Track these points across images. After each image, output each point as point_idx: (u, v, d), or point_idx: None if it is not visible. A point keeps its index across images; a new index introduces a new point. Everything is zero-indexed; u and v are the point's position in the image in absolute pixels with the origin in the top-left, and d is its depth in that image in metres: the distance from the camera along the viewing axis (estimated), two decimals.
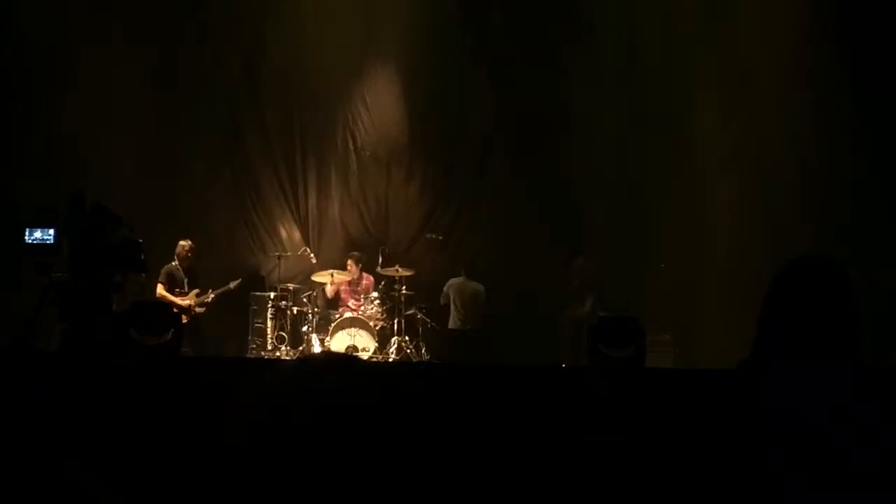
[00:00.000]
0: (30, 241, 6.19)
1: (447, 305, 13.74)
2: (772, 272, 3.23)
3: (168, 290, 12.66)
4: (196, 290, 12.89)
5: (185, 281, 12.85)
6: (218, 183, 14.80)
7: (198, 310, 12.88)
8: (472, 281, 13.78)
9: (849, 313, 3.07)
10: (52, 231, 6.15)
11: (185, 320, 12.34)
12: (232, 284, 13.41)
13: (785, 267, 3.20)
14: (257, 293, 14.00)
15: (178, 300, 12.57)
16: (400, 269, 13.59)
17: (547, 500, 4.63)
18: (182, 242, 12.87)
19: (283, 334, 13.57)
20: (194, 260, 13.01)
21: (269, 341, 13.58)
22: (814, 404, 2.89)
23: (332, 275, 13.78)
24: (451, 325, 13.65)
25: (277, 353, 13.31)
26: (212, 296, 13.07)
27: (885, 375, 3.01)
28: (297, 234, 15.03)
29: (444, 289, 13.78)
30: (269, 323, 13.68)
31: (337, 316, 13.45)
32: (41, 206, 6.33)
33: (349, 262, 13.89)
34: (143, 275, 6.75)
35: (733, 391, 3.13)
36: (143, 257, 6.51)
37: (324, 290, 13.96)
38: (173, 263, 12.82)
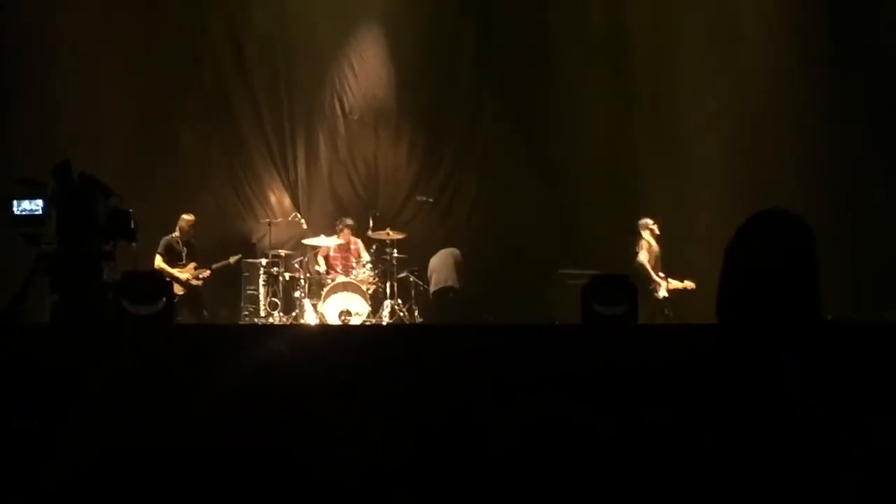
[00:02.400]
0: (18, 213, 6.18)
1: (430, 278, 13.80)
2: None
3: (167, 262, 12.67)
4: (194, 263, 12.89)
5: (184, 253, 12.87)
6: (206, 151, 14.73)
7: (195, 282, 12.89)
8: (446, 249, 13.84)
9: (806, 266, 3.05)
10: (40, 202, 6.14)
11: (182, 291, 12.41)
12: (232, 259, 13.46)
13: (749, 220, 3.19)
14: (249, 260, 13.98)
15: (176, 272, 12.59)
16: (391, 233, 13.57)
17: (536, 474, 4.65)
18: (185, 216, 12.93)
19: (276, 300, 13.56)
20: (193, 233, 13.01)
21: (262, 308, 13.57)
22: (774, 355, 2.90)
23: (322, 239, 13.75)
24: (431, 288, 13.69)
25: (270, 320, 13.32)
26: (211, 269, 13.10)
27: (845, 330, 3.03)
28: (286, 200, 14.99)
29: (428, 274, 13.84)
30: (262, 289, 13.67)
31: (329, 280, 13.44)
32: (28, 179, 6.30)
33: (338, 229, 13.85)
34: (134, 244, 6.72)
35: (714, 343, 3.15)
36: (132, 226, 6.50)
37: (316, 256, 13.93)
38: (174, 235, 12.86)
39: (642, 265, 12.46)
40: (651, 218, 12.75)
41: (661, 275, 12.60)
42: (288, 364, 5.14)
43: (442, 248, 13.99)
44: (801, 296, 3.00)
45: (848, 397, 2.83)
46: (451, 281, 13.59)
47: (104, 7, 13.65)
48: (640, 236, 12.62)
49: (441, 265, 13.71)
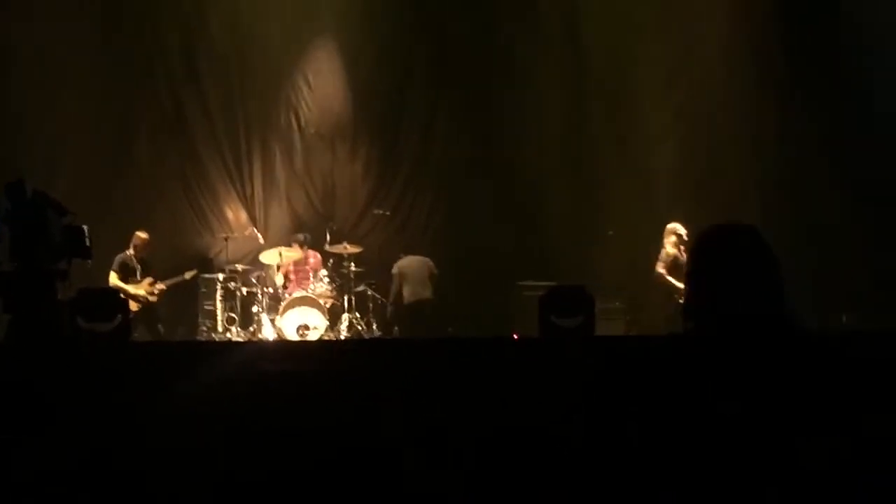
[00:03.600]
0: None
1: (400, 286, 13.69)
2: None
3: (121, 280, 12.58)
4: (149, 279, 12.80)
5: (139, 270, 12.77)
6: (162, 166, 14.66)
7: (150, 298, 12.80)
8: (418, 256, 13.79)
9: (762, 270, 3.11)
10: None
11: (136, 308, 12.32)
12: (187, 275, 13.36)
13: (704, 232, 3.25)
14: (206, 275, 13.91)
15: (131, 289, 12.49)
16: (348, 246, 13.55)
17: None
18: (140, 234, 12.80)
19: (234, 315, 13.51)
20: (148, 250, 12.92)
21: (220, 323, 13.51)
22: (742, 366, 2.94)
23: (279, 253, 13.69)
24: (406, 300, 13.59)
25: (228, 335, 13.27)
26: (167, 285, 12.99)
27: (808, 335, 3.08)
28: (243, 215, 14.94)
29: (393, 272, 13.74)
30: (219, 305, 13.60)
31: (287, 295, 13.40)
32: None
33: (294, 244, 13.80)
34: (89, 261, 6.68)
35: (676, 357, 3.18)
36: (87, 244, 6.46)
37: (273, 275, 13.88)
38: (128, 253, 12.74)
39: (659, 276, 11.99)
40: (679, 222, 12.29)
41: None
42: (257, 379, 5.14)
43: (399, 260, 13.96)
44: (763, 299, 3.05)
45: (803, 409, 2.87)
46: (428, 293, 13.57)
47: (57, 21, 13.52)
48: (662, 245, 12.23)
49: (415, 276, 13.62)
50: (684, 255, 11.65)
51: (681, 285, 11.55)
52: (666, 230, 12.05)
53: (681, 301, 11.62)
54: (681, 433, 3.03)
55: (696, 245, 3.23)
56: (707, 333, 3.08)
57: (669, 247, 11.95)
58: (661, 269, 11.90)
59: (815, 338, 3.09)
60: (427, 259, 13.76)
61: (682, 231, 11.93)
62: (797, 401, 2.89)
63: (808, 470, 2.83)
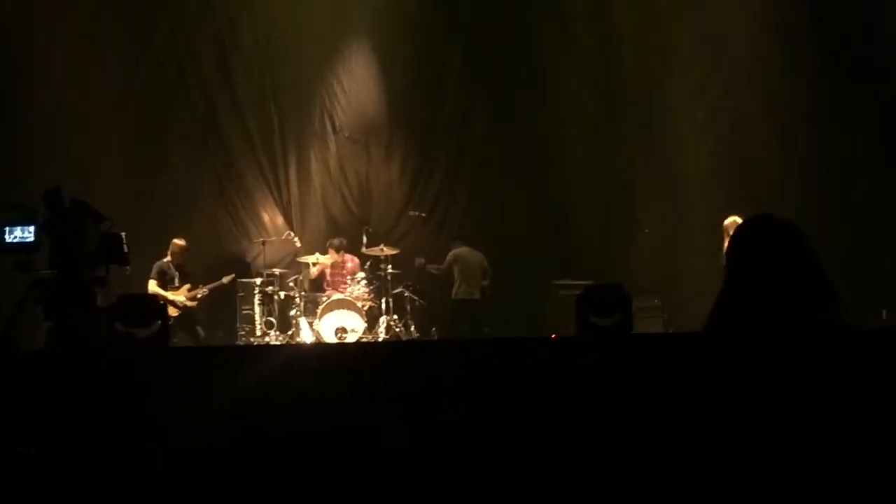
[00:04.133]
0: (10, 241, 6.16)
1: (449, 272, 13.67)
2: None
3: (160, 286, 12.64)
4: (187, 285, 12.84)
5: (176, 277, 12.81)
6: (198, 172, 14.72)
7: (189, 304, 12.84)
8: (475, 251, 13.76)
9: (808, 265, 3.06)
10: (31, 229, 6.12)
11: (176, 313, 12.37)
12: (225, 279, 13.38)
13: (741, 225, 3.22)
14: (243, 280, 13.96)
15: (170, 295, 12.54)
16: (385, 249, 13.54)
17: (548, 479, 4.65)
18: (176, 241, 12.83)
19: (272, 319, 13.54)
20: (186, 257, 12.96)
21: (258, 327, 13.56)
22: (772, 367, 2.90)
23: (317, 257, 13.75)
24: (455, 294, 13.58)
25: (266, 339, 13.32)
26: (205, 290, 13.03)
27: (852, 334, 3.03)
28: (279, 219, 14.99)
29: (449, 258, 13.71)
30: (257, 309, 13.66)
31: (324, 298, 13.42)
32: (17, 204, 6.29)
33: (329, 250, 13.83)
34: (127, 268, 6.71)
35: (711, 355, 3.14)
36: (125, 250, 6.49)
37: (308, 271, 13.93)
38: (165, 260, 12.78)
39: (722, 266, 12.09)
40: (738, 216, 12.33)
41: None
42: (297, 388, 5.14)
43: (435, 262, 13.96)
44: (802, 300, 3.01)
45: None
46: (477, 294, 13.56)
47: (93, 30, 13.62)
48: (724, 238, 12.32)
49: (470, 271, 13.64)
50: None
51: None
52: (724, 226, 12.11)
53: None
54: (720, 431, 3.00)
55: (736, 238, 3.19)
56: (742, 328, 3.05)
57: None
58: (722, 260, 11.98)
59: (856, 334, 3.05)
60: (482, 257, 13.73)
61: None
62: (832, 397, 2.85)
63: (845, 467, 2.80)
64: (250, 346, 12.32)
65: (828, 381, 2.88)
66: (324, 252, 13.83)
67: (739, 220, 12.03)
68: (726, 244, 11.98)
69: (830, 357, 2.93)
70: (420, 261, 13.91)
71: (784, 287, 3.02)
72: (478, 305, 13.54)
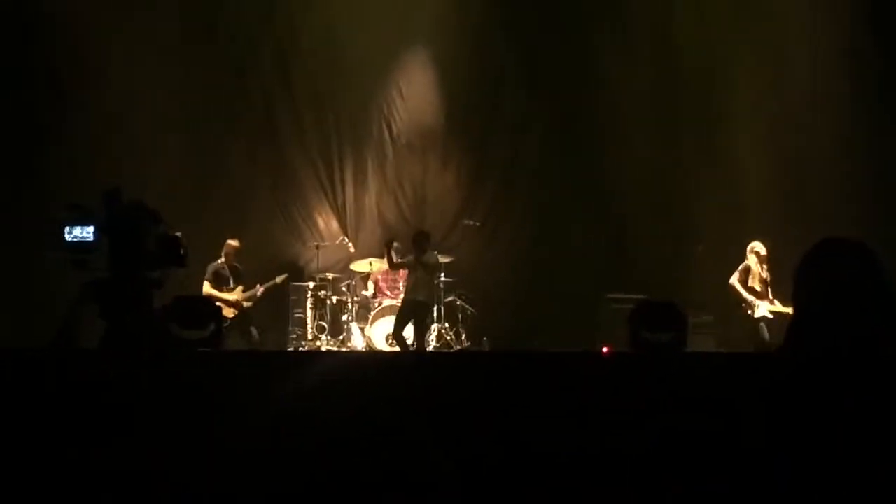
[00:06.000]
0: (70, 240, 6.21)
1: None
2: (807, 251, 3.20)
3: (214, 288, 12.73)
4: (241, 287, 12.93)
5: (231, 279, 12.90)
6: (254, 175, 14.82)
7: (245, 304, 12.93)
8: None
9: (877, 292, 3.00)
10: (91, 229, 6.17)
11: (233, 314, 12.47)
12: (279, 279, 13.46)
13: (811, 249, 3.16)
14: (296, 283, 14.04)
15: (225, 296, 12.63)
16: (438, 256, 13.54)
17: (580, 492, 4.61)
18: (231, 242, 12.94)
19: (324, 324, 13.62)
20: (239, 258, 13.04)
21: (310, 331, 13.64)
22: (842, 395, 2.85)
23: (370, 263, 13.80)
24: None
25: (318, 343, 13.38)
26: (261, 290, 13.11)
27: None
28: (334, 224, 15.06)
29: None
30: (309, 313, 13.74)
31: (377, 304, 13.45)
32: (77, 204, 6.35)
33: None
34: (184, 269, 6.75)
35: (768, 379, 3.10)
36: (182, 252, 6.52)
37: (365, 280, 13.99)
38: (219, 262, 12.89)
39: (731, 286, 12.33)
40: (760, 241, 12.49)
41: (770, 297, 12.34)
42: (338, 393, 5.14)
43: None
44: (872, 326, 2.95)
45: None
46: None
47: (154, 30, 13.71)
48: (745, 259, 12.48)
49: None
50: (761, 271, 12.31)
51: (750, 297, 12.20)
52: (748, 248, 12.38)
53: (750, 313, 12.19)
54: (769, 454, 2.97)
55: (804, 262, 3.13)
56: (809, 355, 3.00)
57: (753, 262, 12.23)
58: (734, 280, 12.35)
59: None
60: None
61: (761, 248, 12.32)
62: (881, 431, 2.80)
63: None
64: (303, 352, 12.39)
65: (880, 414, 2.83)
66: (379, 257, 13.86)
67: (758, 244, 12.18)
68: (741, 266, 12.19)
69: (887, 390, 2.87)
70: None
71: (848, 315, 2.96)
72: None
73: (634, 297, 11.97)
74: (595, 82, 14.65)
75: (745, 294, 12.21)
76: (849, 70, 13.78)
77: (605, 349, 11.91)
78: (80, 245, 6.21)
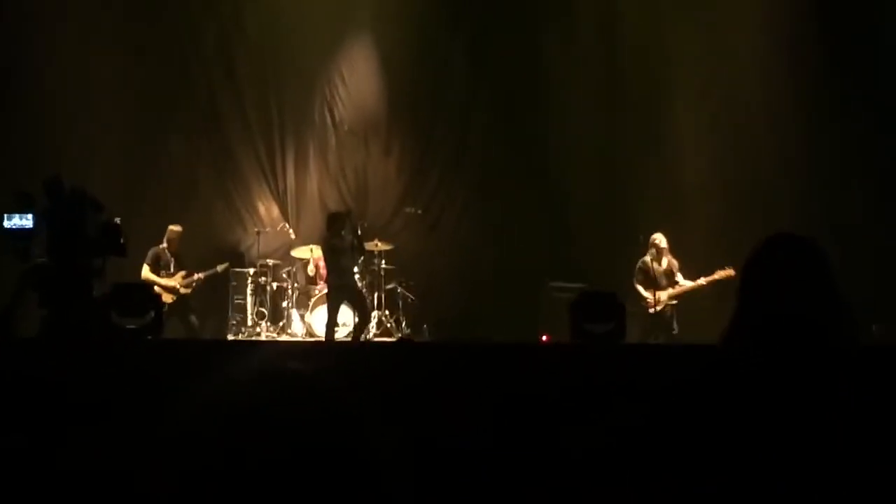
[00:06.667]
0: (9, 227, 6.17)
1: None
2: (752, 240, 3.24)
3: (153, 272, 12.62)
4: (182, 272, 12.84)
5: (172, 263, 12.81)
6: (196, 161, 14.70)
7: (183, 290, 12.83)
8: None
9: (824, 288, 3.06)
10: (30, 216, 6.14)
11: (171, 300, 12.39)
12: (219, 268, 13.36)
13: (758, 245, 3.19)
14: (237, 269, 13.96)
15: (163, 281, 12.54)
16: (379, 244, 13.54)
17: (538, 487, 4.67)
18: (173, 227, 12.81)
19: (264, 310, 13.56)
20: (181, 244, 12.95)
21: (250, 317, 13.58)
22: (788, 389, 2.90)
23: (311, 250, 13.77)
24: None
25: (257, 330, 13.33)
26: (200, 277, 13.02)
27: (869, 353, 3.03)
28: (275, 210, 14.98)
29: None
30: (250, 299, 13.69)
31: (317, 291, 13.43)
32: (18, 192, 6.30)
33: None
34: (124, 257, 6.72)
35: (713, 370, 3.14)
36: (122, 241, 6.50)
37: (305, 266, 13.94)
38: (161, 246, 12.77)
39: (633, 286, 12.36)
40: (659, 232, 12.56)
41: (671, 288, 12.42)
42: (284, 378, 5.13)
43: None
44: (820, 323, 3.01)
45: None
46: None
47: (94, 19, 13.56)
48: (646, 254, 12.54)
49: None
50: (660, 264, 12.39)
51: (647, 294, 12.23)
52: (649, 242, 12.48)
53: (651, 311, 12.20)
54: (713, 445, 3.02)
55: (752, 257, 3.18)
56: (753, 346, 3.05)
57: (651, 256, 12.33)
58: (636, 280, 12.42)
59: (872, 352, 3.06)
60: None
61: (661, 240, 12.37)
62: (835, 419, 2.86)
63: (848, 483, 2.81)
64: (242, 342, 12.34)
65: (833, 402, 2.88)
66: (319, 244, 13.85)
67: (655, 237, 12.27)
68: (649, 261, 12.27)
69: (837, 379, 2.93)
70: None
71: (797, 307, 3.02)
72: None
73: (576, 286, 12.07)
74: (540, 70, 14.70)
75: (643, 293, 12.23)
76: (792, 56, 13.89)
77: (544, 338, 12.02)
78: (19, 232, 6.17)
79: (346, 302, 12.44)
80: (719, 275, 12.00)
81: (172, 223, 12.89)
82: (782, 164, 13.67)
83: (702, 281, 12.18)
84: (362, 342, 12.16)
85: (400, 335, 13.20)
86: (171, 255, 12.83)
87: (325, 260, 12.62)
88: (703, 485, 2.94)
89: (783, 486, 2.80)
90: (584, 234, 14.04)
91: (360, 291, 12.82)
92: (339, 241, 12.33)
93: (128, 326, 6.50)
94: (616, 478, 4.54)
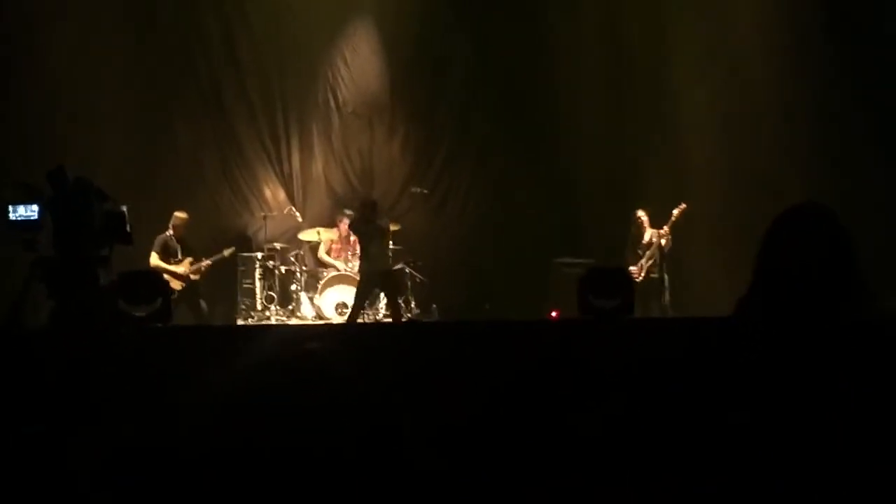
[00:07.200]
0: (14, 219, 6.17)
1: None
2: (756, 216, 3.24)
3: (162, 259, 12.63)
4: (190, 259, 12.84)
5: (179, 249, 12.81)
6: (201, 146, 14.69)
7: (193, 277, 12.85)
8: None
9: (844, 258, 3.05)
10: (35, 207, 6.14)
11: (180, 286, 12.40)
12: (226, 252, 13.36)
13: (783, 212, 3.18)
14: (245, 254, 13.98)
15: (172, 268, 12.55)
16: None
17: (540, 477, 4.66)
18: (178, 214, 12.80)
19: (272, 294, 13.60)
20: (188, 230, 12.95)
21: (259, 301, 13.61)
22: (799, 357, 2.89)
23: (318, 232, 13.79)
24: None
25: (267, 313, 13.37)
26: (207, 262, 13.02)
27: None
28: (281, 194, 14.98)
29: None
30: (258, 283, 13.71)
31: (325, 274, 13.45)
32: (22, 183, 6.30)
33: (339, 223, 13.84)
34: (130, 246, 6.72)
35: (726, 337, 3.13)
36: (128, 229, 6.49)
37: (313, 249, 13.96)
38: (168, 233, 12.77)
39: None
40: (642, 209, 12.71)
41: (648, 262, 12.52)
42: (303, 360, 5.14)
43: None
44: (836, 295, 3.00)
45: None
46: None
47: (98, 6, 13.54)
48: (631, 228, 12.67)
49: None
50: (643, 237, 12.68)
51: (632, 267, 12.33)
52: (634, 216, 12.77)
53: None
54: (723, 420, 3.01)
55: (774, 225, 3.16)
56: (770, 316, 3.03)
57: (637, 232, 12.62)
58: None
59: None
60: None
61: (642, 215, 12.74)
62: (847, 389, 2.85)
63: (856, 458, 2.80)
64: (253, 326, 12.36)
65: (845, 373, 2.87)
66: (327, 226, 13.88)
67: (642, 212, 12.34)
68: (635, 231, 12.37)
69: (848, 350, 2.92)
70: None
71: (812, 277, 3.00)
72: None
73: (583, 261, 12.09)
74: (544, 49, 14.64)
75: (629, 267, 12.31)
76: (792, 30, 13.81)
77: (553, 314, 12.04)
78: (25, 224, 6.17)
79: (377, 288, 12.49)
80: (675, 214, 12.24)
81: (179, 210, 12.89)
82: (786, 138, 13.61)
83: (663, 231, 12.35)
84: (370, 324, 12.18)
85: (409, 316, 13.21)
86: (178, 242, 12.84)
87: (360, 245, 12.53)
88: (715, 457, 2.94)
89: (797, 460, 2.79)
90: (589, 211, 14.02)
91: (392, 274, 12.74)
92: (369, 226, 12.24)
93: (135, 314, 6.49)
94: (630, 451, 4.53)
